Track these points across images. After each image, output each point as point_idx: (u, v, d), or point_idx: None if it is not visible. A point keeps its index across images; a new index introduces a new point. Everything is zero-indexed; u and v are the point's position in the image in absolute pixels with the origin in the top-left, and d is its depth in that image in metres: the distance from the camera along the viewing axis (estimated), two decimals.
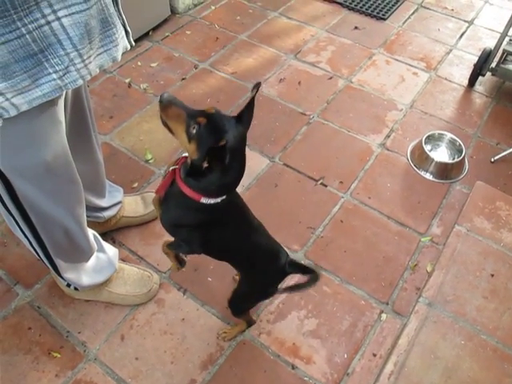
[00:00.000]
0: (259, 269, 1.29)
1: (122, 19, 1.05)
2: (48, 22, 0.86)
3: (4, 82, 0.86)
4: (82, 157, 1.40)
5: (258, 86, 0.97)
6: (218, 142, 0.92)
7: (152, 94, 2.40)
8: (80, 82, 0.97)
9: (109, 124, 2.24)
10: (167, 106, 0.97)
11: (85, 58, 0.95)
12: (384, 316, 1.65)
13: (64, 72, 0.93)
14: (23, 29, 0.83)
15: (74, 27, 0.89)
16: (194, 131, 0.94)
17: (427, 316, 1.60)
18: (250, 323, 1.56)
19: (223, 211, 1.08)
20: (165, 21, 2.87)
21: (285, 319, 1.62)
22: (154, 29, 2.81)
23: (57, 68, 0.91)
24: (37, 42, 0.86)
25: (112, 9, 0.98)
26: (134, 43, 1.13)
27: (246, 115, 0.98)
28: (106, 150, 2.10)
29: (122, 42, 1.07)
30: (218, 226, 1.12)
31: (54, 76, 0.92)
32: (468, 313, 1.62)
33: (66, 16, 0.87)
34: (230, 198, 1.07)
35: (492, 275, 1.72)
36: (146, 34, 2.76)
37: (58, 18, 0.86)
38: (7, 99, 0.89)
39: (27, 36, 0.84)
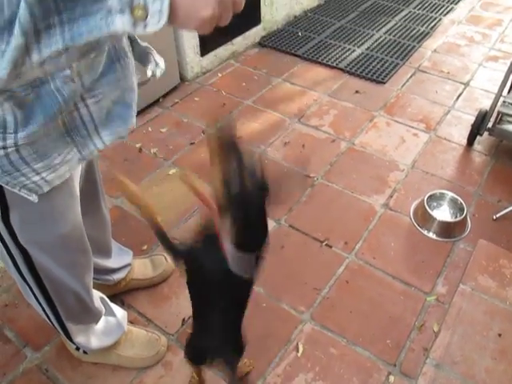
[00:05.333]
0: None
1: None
2: (77, 109, 0.95)
3: (40, 162, 0.94)
4: (92, 222, 1.46)
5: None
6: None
7: (162, 159, 2.50)
8: (96, 153, 1.06)
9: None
10: None
11: (102, 134, 1.03)
12: (392, 378, 1.63)
13: (83, 146, 1.01)
14: (59, 117, 0.92)
15: (98, 111, 0.98)
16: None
17: (435, 378, 1.59)
18: None
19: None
20: (174, 88, 3.03)
21: (292, 382, 1.61)
22: (165, 96, 2.96)
23: (77, 143, 1.00)
24: (65, 125, 0.95)
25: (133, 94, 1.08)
26: (135, 125, 1.21)
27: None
28: (117, 213, 2.17)
29: (131, 121, 1.17)
30: None
31: (75, 150, 1.00)
32: (477, 374, 1.60)
33: (92, 103, 0.96)
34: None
35: (499, 335, 1.71)
36: (157, 101, 2.90)
37: (86, 105, 0.95)
38: (42, 178, 0.97)
39: (59, 121, 0.93)
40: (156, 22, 0.64)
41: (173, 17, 0.65)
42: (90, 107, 0.96)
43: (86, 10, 0.62)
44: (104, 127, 1.03)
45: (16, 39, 0.61)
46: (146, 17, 0.63)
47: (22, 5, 0.59)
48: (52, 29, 0.63)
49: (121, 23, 0.63)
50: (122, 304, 1.81)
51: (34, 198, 0.99)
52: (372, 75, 3.24)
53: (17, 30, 0.61)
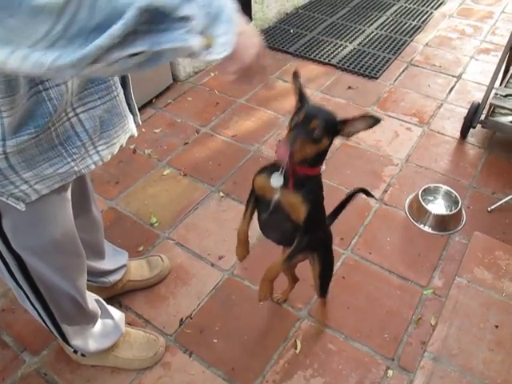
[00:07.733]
0: (328, 235, 1.54)
1: (132, 105, 1.16)
2: (68, 118, 0.95)
3: (29, 172, 0.95)
4: (83, 224, 1.44)
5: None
6: (335, 120, 1.13)
7: (156, 159, 2.50)
8: (93, 166, 1.06)
9: (115, 189, 2.32)
10: (299, 147, 1.08)
11: (97, 145, 1.04)
12: (390, 372, 1.64)
13: (80, 159, 1.02)
14: (52, 128, 0.92)
15: (90, 120, 0.99)
16: (319, 132, 1.08)
17: (433, 371, 1.59)
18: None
19: None
20: (167, 88, 3.02)
21: (291, 379, 1.62)
22: (157, 96, 2.96)
23: (74, 157, 1.00)
24: (58, 137, 0.95)
25: (124, 103, 1.09)
26: (135, 133, 1.21)
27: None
28: (112, 215, 2.17)
29: (130, 130, 1.17)
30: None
31: (72, 164, 1.00)
32: (475, 366, 1.61)
33: (82, 112, 0.97)
34: None
35: (496, 326, 1.72)
36: (150, 102, 2.90)
37: (77, 114, 0.96)
38: (30, 186, 0.97)
39: (52, 132, 0.93)
40: (219, 52, 0.72)
41: (232, 51, 0.74)
42: (80, 116, 0.97)
43: (172, 25, 0.65)
44: (99, 138, 1.03)
45: (110, 39, 0.60)
46: (210, 47, 0.71)
47: (133, 11, 0.59)
48: (138, 34, 0.64)
49: (195, 42, 0.68)
50: (119, 306, 1.81)
51: (21, 206, 1.00)
52: (364, 70, 3.24)
53: (118, 29, 0.60)
